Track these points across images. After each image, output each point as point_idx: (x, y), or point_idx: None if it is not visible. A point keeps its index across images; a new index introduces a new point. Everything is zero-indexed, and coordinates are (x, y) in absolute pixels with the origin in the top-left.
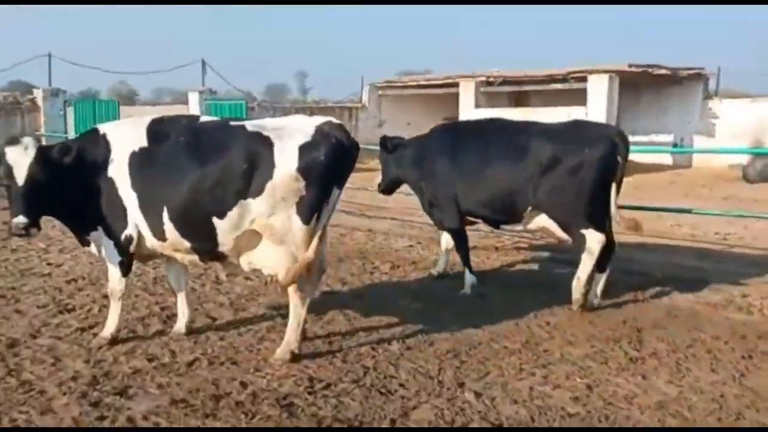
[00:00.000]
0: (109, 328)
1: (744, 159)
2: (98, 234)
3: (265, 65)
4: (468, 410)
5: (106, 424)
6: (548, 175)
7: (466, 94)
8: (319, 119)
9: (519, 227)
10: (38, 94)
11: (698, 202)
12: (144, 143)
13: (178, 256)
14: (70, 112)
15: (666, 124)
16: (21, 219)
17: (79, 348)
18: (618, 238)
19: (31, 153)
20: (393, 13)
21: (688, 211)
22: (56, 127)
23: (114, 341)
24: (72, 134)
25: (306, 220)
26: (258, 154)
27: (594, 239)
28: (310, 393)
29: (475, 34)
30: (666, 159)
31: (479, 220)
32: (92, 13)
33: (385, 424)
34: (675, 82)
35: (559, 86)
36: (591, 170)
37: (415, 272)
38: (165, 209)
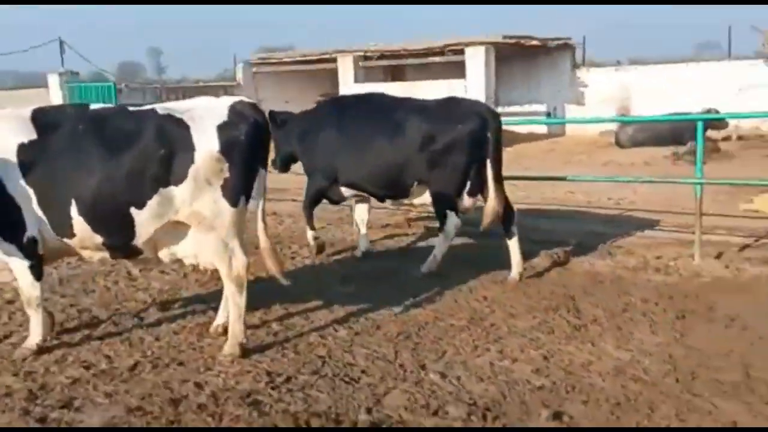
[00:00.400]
0: (34, 338)
1: (613, 126)
2: None
3: (111, 42)
4: (438, 392)
5: None
6: (426, 152)
7: (345, 68)
8: (230, 99)
9: (406, 201)
10: None
11: (580, 168)
12: (33, 135)
13: (86, 254)
14: None
15: (538, 94)
16: None
17: (1, 360)
18: (519, 206)
19: None
20: None
21: (586, 180)
22: None
23: (40, 351)
24: None
25: (233, 202)
26: (175, 138)
27: (452, 222)
28: (273, 388)
29: (339, 8)
30: (541, 129)
31: (364, 194)
32: None
33: (363, 414)
34: (545, 53)
35: (437, 59)
36: (463, 147)
37: (336, 254)
38: (73, 203)
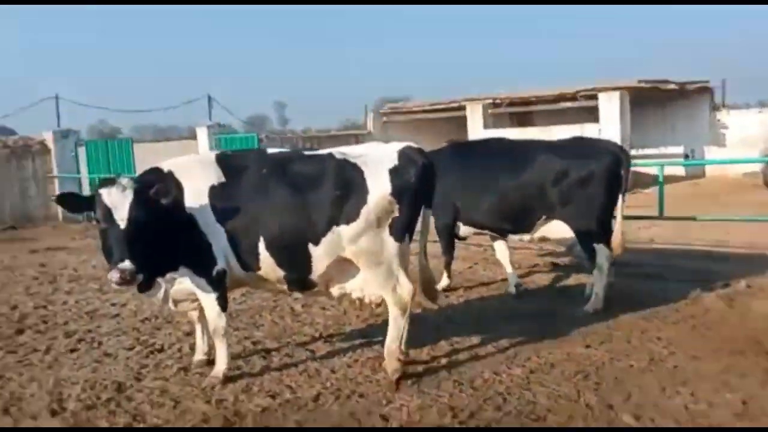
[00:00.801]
0: (220, 367)
1: (757, 167)
2: (182, 273)
3: (240, 97)
4: None
5: None
6: (559, 187)
7: (474, 116)
8: (398, 144)
9: (527, 237)
10: (48, 136)
11: (734, 209)
12: (222, 178)
13: (268, 286)
14: (82, 152)
15: (674, 137)
16: (127, 264)
17: (192, 389)
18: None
19: (130, 194)
20: (360, 41)
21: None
22: (69, 169)
23: (226, 379)
24: (85, 175)
25: (399, 238)
26: (350, 181)
27: (603, 255)
28: (460, 423)
29: (450, 58)
30: (679, 171)
31: (485, 231)
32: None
33: None
34: (681, 96)
35: (568, 104)
36: (601, 181)
37: (489, 291)
38: (261, 239)
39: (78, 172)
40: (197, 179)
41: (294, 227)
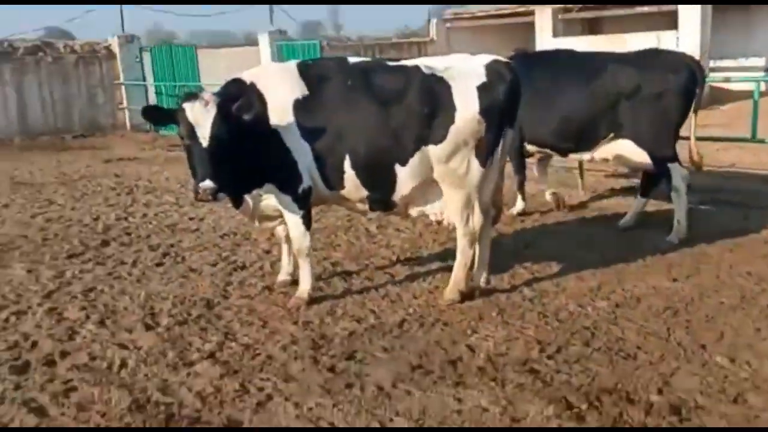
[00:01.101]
0: (305, 287)
1: None
2: (267, 190)
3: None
4: (731, 377)
5: (356, 392)
6: (632, 102)
7: (543, 22)
8: (485, 58)
9: (587, 155)
10: (114, 42)
11: None
12: (306, 91)
13: (348, 205)
14: (147, 58)
15: (755, 46)
16: (209, 183)
17: (277, 309)
18: None
19: (213, 110)
20: None
21: None
22: (134, 75)
23: (311, 300)
24: (150, 81)
25: (483, 162)
26: (438, 97)
27: (679, 176)
28: (549, 358)
29: None
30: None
31: (546, 150)
32: None
33: (654, 395)
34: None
35: (646, 9)
36: (673, 99)
37: (565, 216)
38: (347, 158)
39: (144, 78)
40: (280, 92)
41: (381, 146)
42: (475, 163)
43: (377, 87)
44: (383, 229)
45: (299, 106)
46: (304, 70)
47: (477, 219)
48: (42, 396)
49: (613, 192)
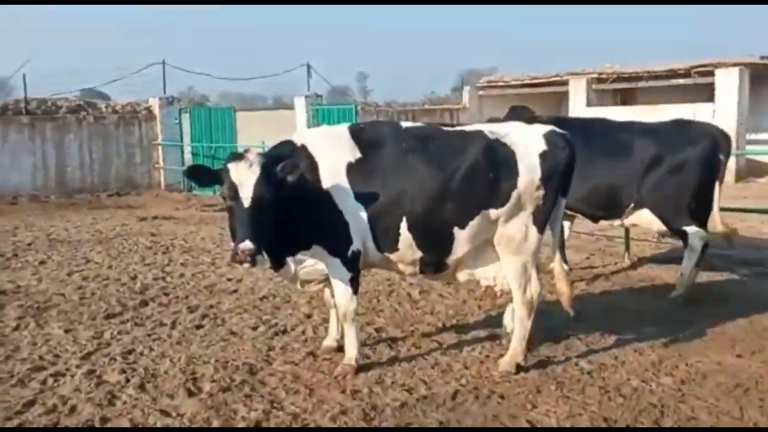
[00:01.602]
0: (351, 353)
1: None
2: (314, 253)
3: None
4: None
5: None
6: (652, 173)
7: (576, 91)
8: (543, 128)
9: (617, 222)
10: (154, 103)
11: None
12: (358, 154)
13: (396, 267)
14: (186, 119)
15: None
16: (248, 245)
17: (323, 376)
18: None
19: (257, 170)
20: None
21: None
22: (173, 136)
23: (358, 368)
24: (187, 141)
25: (541, 229)
26: (502, 162)
27: (696, 236)
28: None
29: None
30: None
31: (577, 215)
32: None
33: None
34: None
35: (681, 81)
36: (693, 169)
37: (612, 286)
38: (404, 220)
39: (182, 139)
40: (332, 154)
41: (440, 208)
42: (533, 230)
43: (437, 150)
44: (426, 295)
45: (352, 168)
46: (358, 134)
47: (535, 287)
48: None
49: (658, 261)
